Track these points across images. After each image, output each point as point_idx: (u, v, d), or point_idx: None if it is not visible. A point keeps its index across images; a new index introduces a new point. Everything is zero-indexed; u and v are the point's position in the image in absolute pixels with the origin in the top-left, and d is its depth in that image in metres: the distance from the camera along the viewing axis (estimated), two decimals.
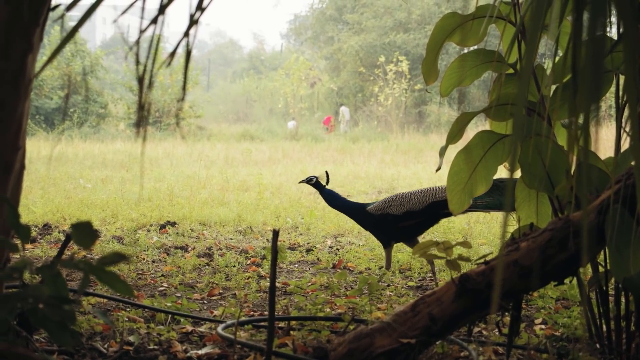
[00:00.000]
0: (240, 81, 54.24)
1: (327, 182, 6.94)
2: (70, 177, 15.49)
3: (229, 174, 16.50)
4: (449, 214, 6.65)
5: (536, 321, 5.21)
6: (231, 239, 9.24)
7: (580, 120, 2.13)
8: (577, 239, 3.33)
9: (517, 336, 4.03)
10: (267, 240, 9.17)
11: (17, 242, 2.79)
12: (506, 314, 3.69)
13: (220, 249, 8.42)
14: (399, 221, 6.63)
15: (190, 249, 8.38)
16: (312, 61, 46.58)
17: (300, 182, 7.19)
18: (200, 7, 2.58)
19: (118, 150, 23.24)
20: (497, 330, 4.60)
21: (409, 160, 22.15)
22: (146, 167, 18.24)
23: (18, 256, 5.01)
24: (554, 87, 4.19)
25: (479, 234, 9.45)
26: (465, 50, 4.57)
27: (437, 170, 4.42)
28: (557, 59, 3.88)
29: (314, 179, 6.94)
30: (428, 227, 6.81)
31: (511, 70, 4.39)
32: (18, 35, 3.01)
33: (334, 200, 6.92)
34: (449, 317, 3.52)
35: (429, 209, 6.57)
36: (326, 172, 7.00)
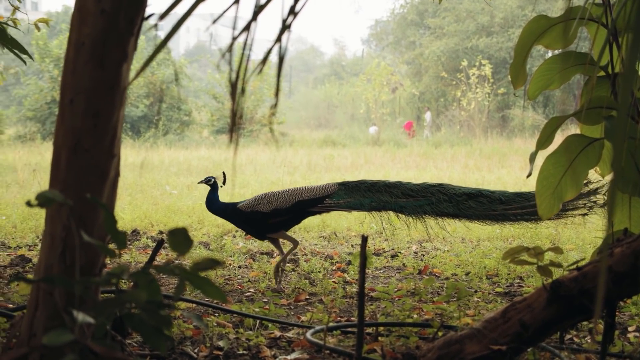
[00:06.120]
0: (321, 87, 54.30)
1: (224, 183, 7.00)
2: (156, 183, 15.74)
3: (312, 179, 16.57)
4: (314, 213, 6.92)
5: (629, 328, 5.10)
6: (316, 244, 9.27)
7: None
8: None
9: (612, 344, 3.95)
10: (352, 245, 9.17)
11: (113, 247, 2.85)
12: (598, 321, 3.63)
13: (306, 255, 8.46)
14: (267, 218, 6.82)
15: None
16: (393, 66, 46.33)
17: (199, 183, 7.24)
18: (292, 12, 2.59)
19: (202, 156, 23.53)
20: (589, 337, 4.52)
21: (492, 165, 21.88)
22: (230, 173, 18.41)
23: (108, 261, 5.12)
24: None
25: (567, 239, 9.30)
26: (550, 53, 4.51)
27: (527, 176, 4.36)
28: None
29: (212, 179, 7.00)
30: (294, 224, 7.03)
31: (602, 73, 4.31)
32: (114, 44, 3.07)
33: (212, 204, 7.01)
34: (541, 324, 3.48)
35: (295, 207, 6.80)
36: (223, 172, 7.07)
